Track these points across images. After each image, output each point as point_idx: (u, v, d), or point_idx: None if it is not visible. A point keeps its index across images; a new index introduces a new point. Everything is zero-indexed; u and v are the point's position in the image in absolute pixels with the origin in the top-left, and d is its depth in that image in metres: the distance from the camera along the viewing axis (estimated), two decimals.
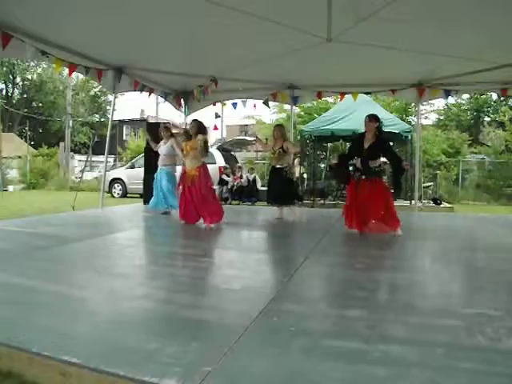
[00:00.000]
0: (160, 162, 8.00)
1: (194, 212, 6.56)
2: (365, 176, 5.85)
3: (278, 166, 7.23)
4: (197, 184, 6.40)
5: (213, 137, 33.15)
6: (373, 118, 5.89)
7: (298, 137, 14.69)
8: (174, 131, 8.20)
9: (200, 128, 6.48)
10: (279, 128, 7.40)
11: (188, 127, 6.57)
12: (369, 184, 5.83)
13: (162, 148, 7.94)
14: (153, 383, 1.89)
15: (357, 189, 5.94)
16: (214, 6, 5.07)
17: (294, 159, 7.61)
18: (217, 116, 10.67)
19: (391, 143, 6.22)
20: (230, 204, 13.45)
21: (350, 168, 6.07)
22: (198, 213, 6.54)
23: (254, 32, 6.11)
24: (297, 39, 6.21)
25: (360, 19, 5.31)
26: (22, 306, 2.84)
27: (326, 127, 12.97)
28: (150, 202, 8.12)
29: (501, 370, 2.03)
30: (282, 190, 7.16)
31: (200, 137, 6.36)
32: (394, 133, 12.10)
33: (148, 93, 9.27)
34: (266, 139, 9.07)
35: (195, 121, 6.62)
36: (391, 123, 12.74)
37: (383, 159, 6.02)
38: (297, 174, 11.53)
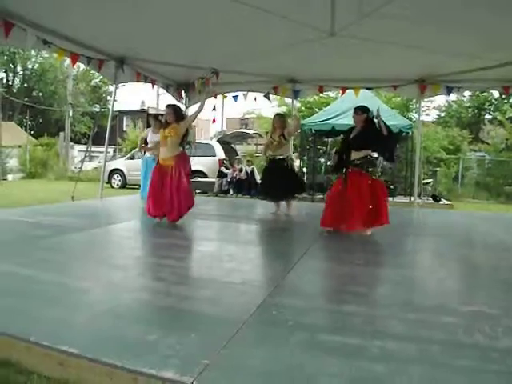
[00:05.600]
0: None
1: (162, 204, 5.82)
2: (347, 169, 5.52)
3: (279, 157, 6.86)
4: (173, 174, 5.77)
5: (212, 129, 33.13)
6: (359, 110, 5.59)
7: (298, 130, 14.63)
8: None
9: (178, 113, 5.95)
10: (280, 117, 7.14)
11: (165, 113, 5.94)
12: (353, 178, 5.42)
13: (152, 136, 7.68)
14: (151, 374, 1.90)
15: (343, 184, 5.53)
16: None
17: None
18: (214, 109, 10.64)
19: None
20: (230, 197, 13.46)
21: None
22: (167, 205, 5.79)
23: (257, 25, 6.07)
24: (300, 33, 6.16)
25: (364, 14, 5.28)
26: (21, 295, 2.84)
27: (327, 122, 12.90)
28: (141, 191, 7.91)
29: (498, 368, 2.04)
30: (284, 182, 6.74)
31: (182, 123, 5.83)
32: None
33: (151, 84, 9.26)
34: (267, 133, 8.96)
35: (172, 106, 6.05)
36: (392, 119, 12.73)
37: (373, 153, 5.57)
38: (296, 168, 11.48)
